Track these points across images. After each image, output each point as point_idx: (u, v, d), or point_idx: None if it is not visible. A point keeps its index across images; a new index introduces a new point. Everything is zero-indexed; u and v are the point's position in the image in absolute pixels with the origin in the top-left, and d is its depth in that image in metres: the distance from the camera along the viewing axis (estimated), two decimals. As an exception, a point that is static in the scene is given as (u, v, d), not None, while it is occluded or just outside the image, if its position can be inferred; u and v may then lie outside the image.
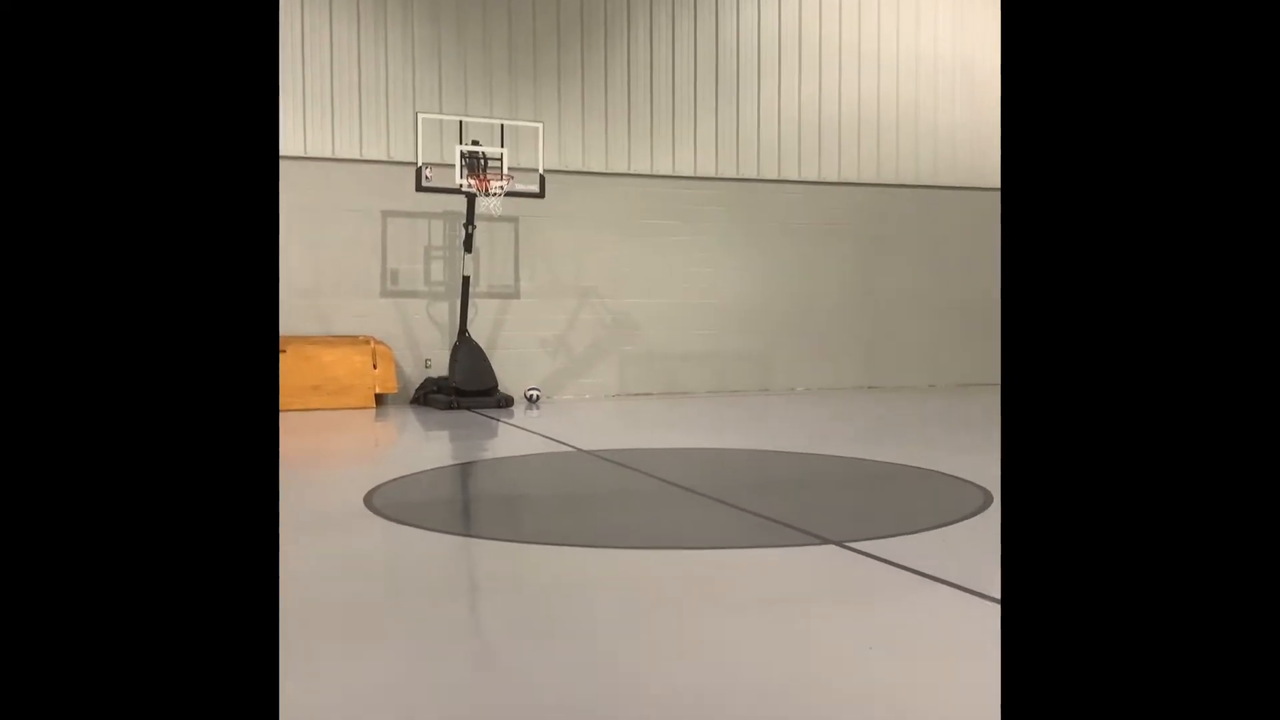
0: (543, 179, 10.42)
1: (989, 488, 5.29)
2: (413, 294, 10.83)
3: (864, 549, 3.99)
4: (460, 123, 10.34)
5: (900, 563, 3.75)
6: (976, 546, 4.22)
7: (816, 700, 2.48)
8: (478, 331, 10.63)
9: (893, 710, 2.42)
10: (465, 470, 6.90)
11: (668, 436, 8.33)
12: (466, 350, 10.31)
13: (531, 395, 10.60)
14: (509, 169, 10.19)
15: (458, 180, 10.03)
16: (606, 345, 11.57)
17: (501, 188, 10.13)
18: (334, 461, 7.05)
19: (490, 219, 10.59)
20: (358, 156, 10.54)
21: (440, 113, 10.57)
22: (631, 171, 11.61)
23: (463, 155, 10.06)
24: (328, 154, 10.34)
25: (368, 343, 10.18)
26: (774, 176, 12.24)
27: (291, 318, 10.01)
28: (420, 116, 10.26)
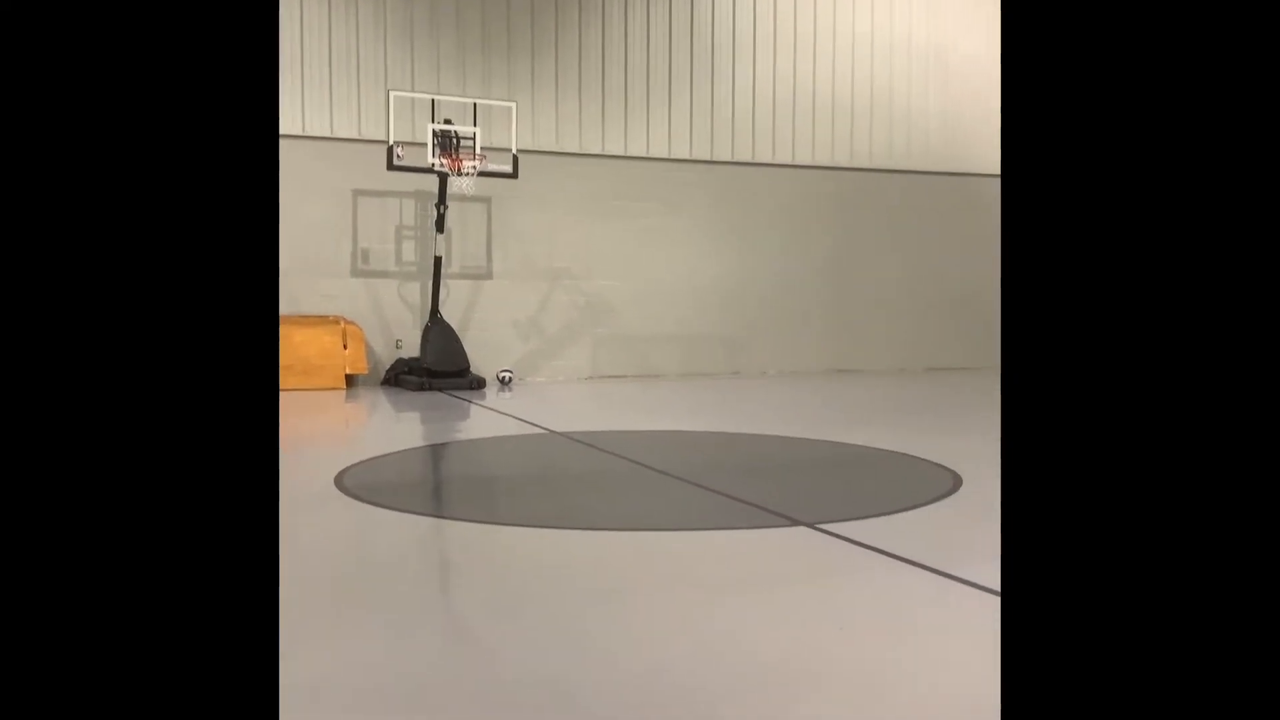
0: (516, 159, 10.35)
1: (958, 470, 5.34)
2: (384, 274, 10.73)
3: (836, 530, 4.01)
4: (433, 101, 10.23)
5: (872, 544, 3.78)
6: (946, 529, 4.26)
7: (790, 679, 2.50)
8: (450, 312, 10.56)
9: (866, 689, 2.44)
10: (437, 452, 6.87)
11: (640, 419, 8.33)
12: (438, 331, 10.24)
13: (504, 377, 10.56)
14: (482, 148, 10.11)
15: (430, 159, 9.94)
16: (579, 327, 11.54)
17: (474, 167, 10.05)
18: (304, 442, 6.99)
19: (463, 199, 10.51)
20: (328, 134, 10.41)
21: (412, 90, 10.46)
22: (606, 152, 11.55)
23: (435, 134, 9.97)
24: (298, 131, 10.20)
25: (338, 323, 10.08)
26: (748, 159, 12.23)
27: (260, 297, 9.88)
28: (392, 94, 10.14)
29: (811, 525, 4.13)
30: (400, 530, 4.27)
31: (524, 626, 2.91)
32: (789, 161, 12.40)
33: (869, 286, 12.88)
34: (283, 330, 9.77)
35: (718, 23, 12.05)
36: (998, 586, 3.40)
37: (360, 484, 5.03)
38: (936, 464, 5.59)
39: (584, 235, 11.45)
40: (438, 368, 10.00)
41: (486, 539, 4.10)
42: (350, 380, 10.15)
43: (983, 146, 13.29)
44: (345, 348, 10.00)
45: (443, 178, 10.07)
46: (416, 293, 10.81)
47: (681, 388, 10.71)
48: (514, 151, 10.36)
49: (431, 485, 5.80)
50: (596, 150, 11.52)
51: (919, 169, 12.98)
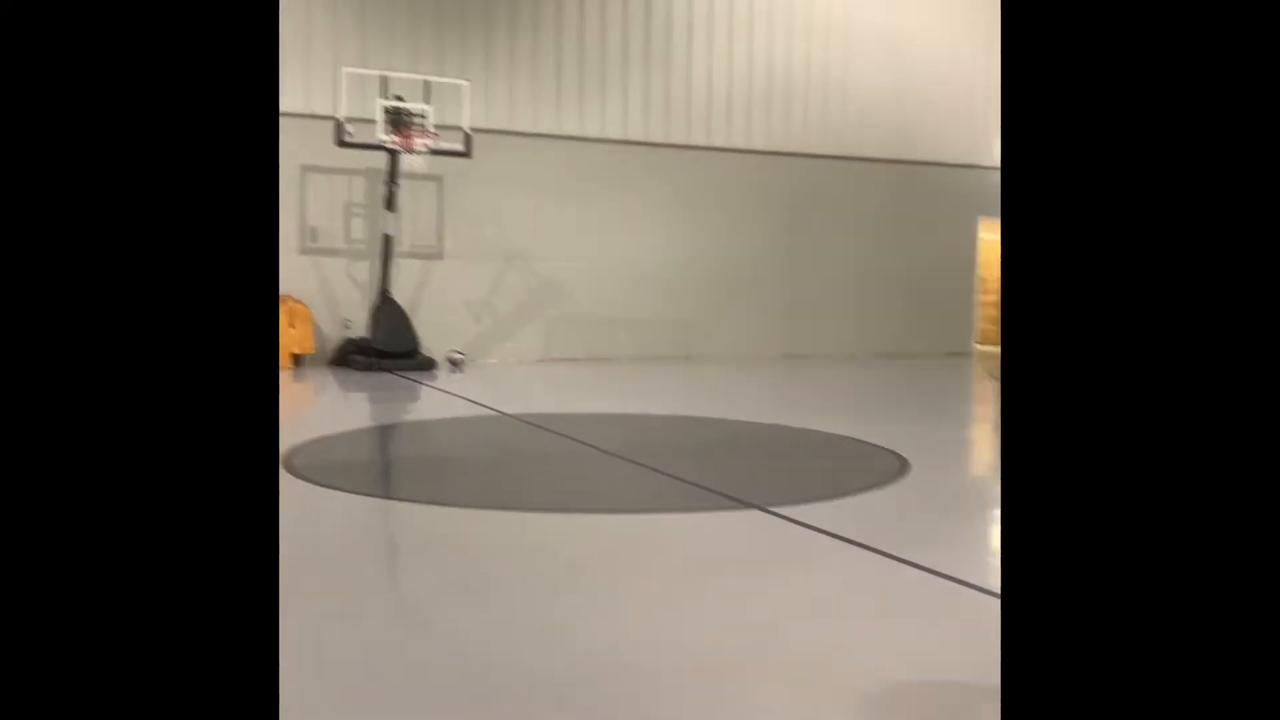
0: (469, 137, 10.23)
1: (906, 455, 5.42)
2: (332, 252, 10.56)
3: (786, 513, 4.05)
4: (384, 77, 10.06)
5: (821, 527, 3.82)
6: (893, 512, 4.32)
7: (743, 658, 2.52)
8: (400, 292, 10.43)
9: (816, 669, 2.47)
10: (386, 433, 6.79)
11: (593, 402, 8.32)
12: (388, 311, 10.11)
13: (454, 358, 10.47)
14: (434, 126, 9.97)
15: (380, 136, 9.78)
16: (532, 309, 11.48)
17: (426, 145, 9.92)
18: (249, 422, 6.85)
19: (414, 177, 10.36)
20: (276, 108, 10.18)
21: (364, 66, 10.27)
22: (560, 133, 11.47)
23: (386, 111, 9.81)
24: (244, 104, 9.95)
25: (284, 301, 9.90)
26: (703, 143, 12.23)
27: (204, 274, 9.67)
28: (343, 70, 9.96)
29: (762, 508, 4.16)
30: (350, 511, 4.22)
31: (476, 608, 2.90)
32: (743, 146, 12.42)
33: (821, 272, 12.98)
34: (228, 308, 9.57)
35: (674, 4, 12.00)
36: (943, 569, 3.45)
37: (309, 464, 4.95)
38: (884, 449, 5.67)
39: (538, 216, 11.37)
40: (387, 348, 9.88)
41: (437, 521, 4.07)
42: (297, 360, 9.99)
43: (933, 135, 13.44)
44: (292, 327, 9.84)
45: (393, 155, 9.92)
46: (365, 271, 10.65)
47: (634, 371, 10.72)
48: (467, 130, 10.24)
49: (381, 466, 5.73)
50: (551, 131, 11.43)
51: (870, 156, 13.08)
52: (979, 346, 14.25)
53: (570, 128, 11.53)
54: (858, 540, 3.63)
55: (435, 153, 10.04)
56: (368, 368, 9.69)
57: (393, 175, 10.03)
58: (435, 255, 11.01)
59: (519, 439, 6.32)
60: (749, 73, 12.42)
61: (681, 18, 12.04)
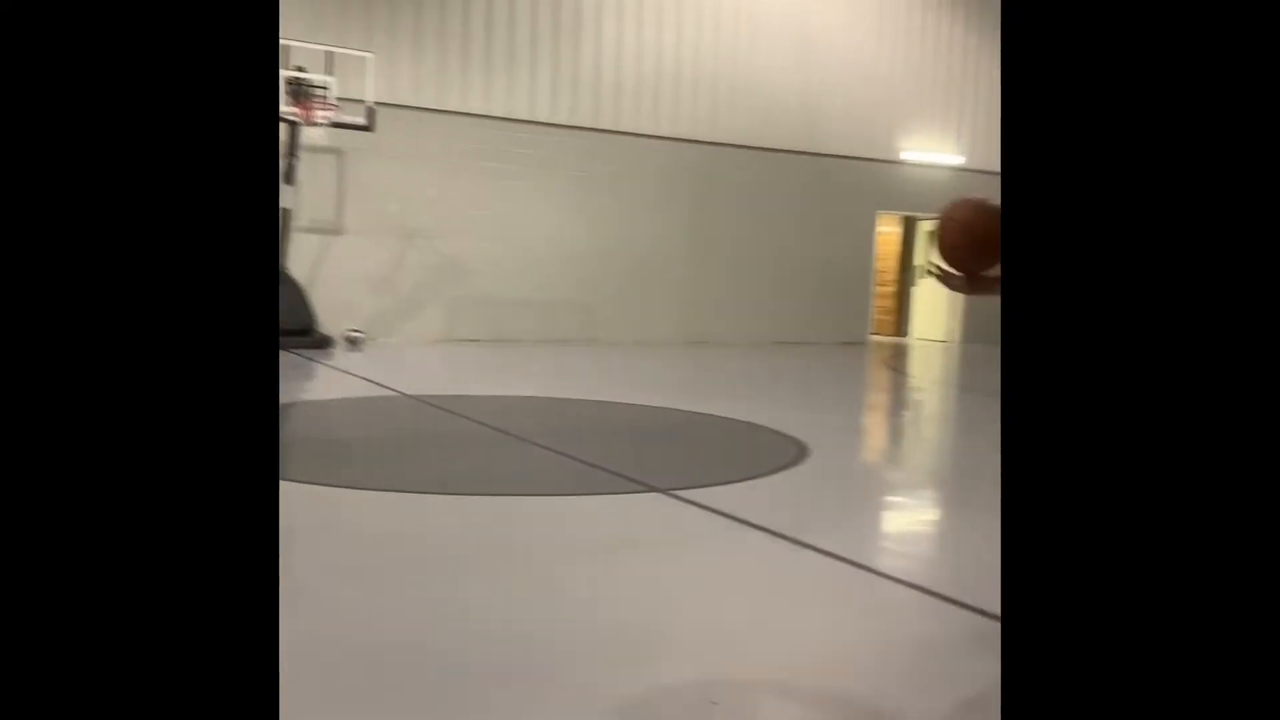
0: (372, 111, 9.98)
1: (804, 440, 5.53)
2: (225, 224, 10.17)
3: (689, 497, 4.08)
4: (285, 47, 9.71)
5: (723, 510, 3.86)
6: (792, 496, 4.40)
7: (643, 640, 2.53)
8: (296, 268, 10.12)
9: (716, 650, 2.50)
10: (280, 413, 6.59)
11: (496, 383, 8.24)
12: (283, 287, 9.81)
13: (353, 337, 10.23)
14: (336, 99, 9.69)
15: (280, 107, 9.45)
16: (434, 288, 11.29)
17: (327, 117, 9.63)
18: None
19: (314, 150, 10.06)
20: (166, 72, 9.74)
21: (261, 32, 9.89)
22: (468, 110, 11.29)
23: (287, 81, 9.48)
24: (131, 66, 9.49)
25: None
26: (611, 126, 12.20)
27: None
28: (238, 34, 9.56)
29: (665, 491, 4.19)
30: (240, 492, 4.08)
31: (376, 591, 2.84)
32: (651, 131, 12.44)
33: (725, 260, 13.12)
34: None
35: (585, -14, 11.92)
36: (842, 552, 3.53)
37: (197, 444, 4.77)
38: (784, 434, 5.77)
39: (442, 194, 11.17)
40: (282, 325, 9.58)
41: (337, 504, 3.97)
42: (186, 335, 9.60)
43: (840, 129, 13.70)
44: (181, 301, 9.45)
45: (293, 127, 9.60)
46: (261, 246, 10.29)
47: (538, 353, 10.66)
48: (370, 104, 9.98)
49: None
50: (457, 108, 11.23)
51: (778, 146, 13.27)
52: (874, 337, 14.64)
53: (476, 105, 11.36)
54: (758, 523, 3.69)
55: (336, 126, 9.76)
56: (261, 345, 9.38)
57: (292, 148, 9.71)
58: (334, 230, 10.72)
59: (418, 420, 6.21)
60: (658, 58, 12.43)
61: (592, 1, 11.97)
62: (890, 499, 4.76)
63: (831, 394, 9.06)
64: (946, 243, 2.51)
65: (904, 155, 14.21)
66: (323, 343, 9.75)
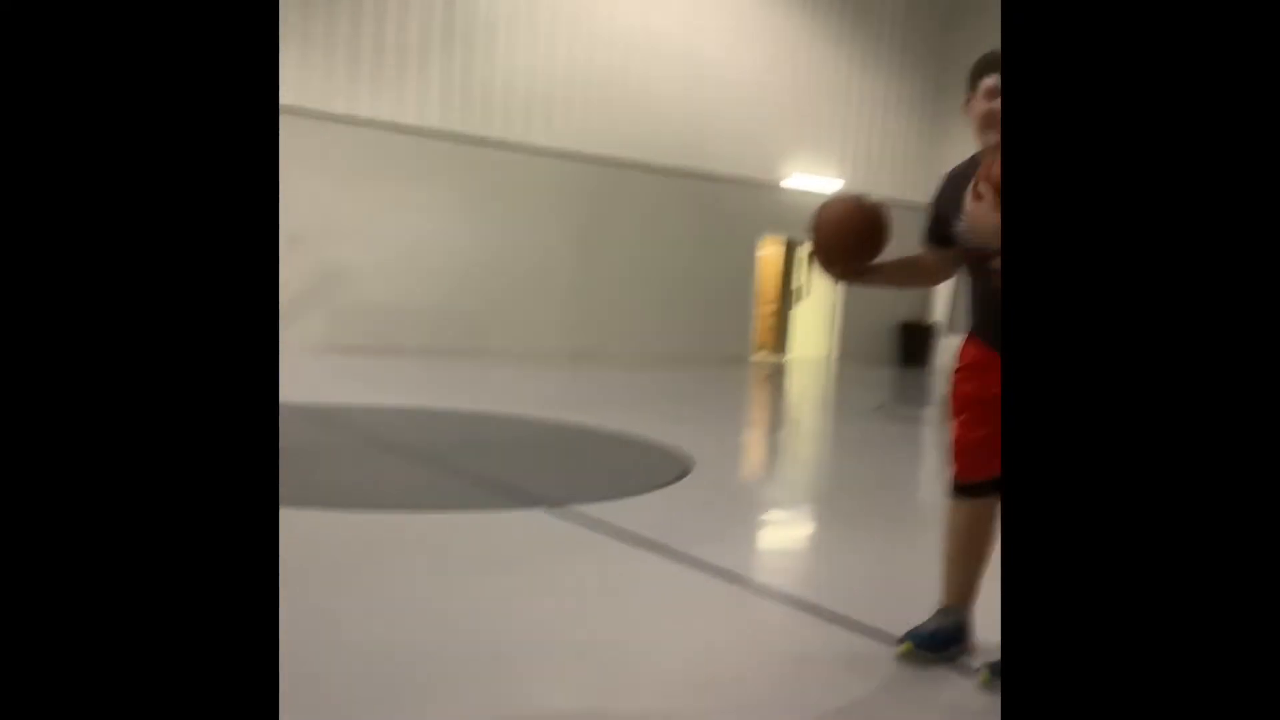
0: (252, 111, 9.65)
1: (690, 455, 5.60)
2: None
3: (574, 511, 4.08)
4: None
5: (608, 525, 3.87)
6: (677, 510, 4.45)
7: (526, 655, 2.51)
8: (167, 270, 9.69)
9: (599, 665, 2.51)
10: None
11: (378, 393, 8.06)
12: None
13: (226, 344, 9.83)
14: (213, 96, 9.34)
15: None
16: (316, 295, 10.96)
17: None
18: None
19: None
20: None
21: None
22: (353, 115, 11.04)
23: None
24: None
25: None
26: (503, 137, 12.12)
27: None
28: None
29: (550, 506, 4.18)
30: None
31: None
32: (544, 144, 12.42)
33: (612, 275, 13.19)
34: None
35: (477, -4, 11.84)
36: (727, 565, 3.58)
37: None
38: (670, 449, 5.83)
39: (325, 199, 10.88)
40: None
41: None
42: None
43: (728, 151, 13.97)
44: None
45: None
46: (128, 246, 9.83)
47: (422, 363, 10.47)
48: (250, 103, 9.65)
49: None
50: (344, 112, 10.98)
51: (668, 165, 13.43)
52: (756, 354, 14.95)
53: (364, 111, 11.12)
54: (643, 537, 3.71)
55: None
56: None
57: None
58: (209, 233, 10.31)
59: (292, 431, 6.02)
60: (550, 72, 12.44)
61: (485, 11, 11.89)
62: (773, 513, 4.86)
63: (715, 409, 9.20)
64: (822, 235, 2.64)
65: (788, 180, 14.59)
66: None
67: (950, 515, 2.66)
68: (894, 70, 15.54)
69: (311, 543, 3.54)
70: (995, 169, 2.42)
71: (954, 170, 2.65)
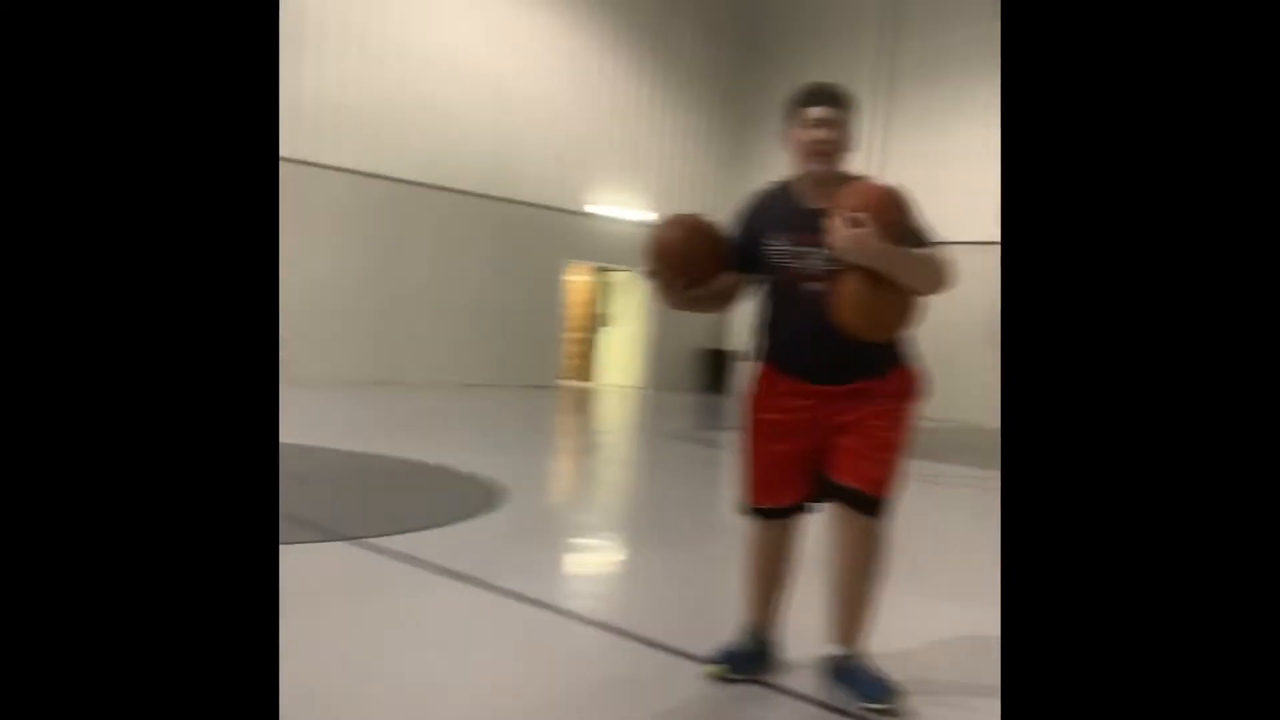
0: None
1: (499, 484, 5.55)
2: None
3: (378, 545, 3.96)
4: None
5: (415, 558, 3.78)
6: (487, 541, 4.39)
7: (333, 695, 2.41)
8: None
9: (410, 702, 2.44)
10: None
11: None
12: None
13: None
14: None
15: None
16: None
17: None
18: None
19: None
20: None
21: None
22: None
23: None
24: None
25: None
26: (289, 155, 11.66)
27: None
28: None
29: (353, 540, 4.03)
30: None
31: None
32: (334, 163, 12.03)
33: (417, 299, 12.92)
34: None
35: (283, 15, 11.36)
36: (535, 593, 3.56)
37: None
38: (478, 478, 5.75)
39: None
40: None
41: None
42: None
43: (533, 175, 14.03)
44: None
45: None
46: None
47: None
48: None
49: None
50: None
51: (470, 189, 13.33)
52: (562, 381, 15.02)
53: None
54: (449, 569, 3.64)
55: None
56: None
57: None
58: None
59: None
60: (342, 89, 12.10)
61: (292, 28, 11.43)
62: (586, 540, 4.89)
63: (522, 437, 9.16)
64: (665, 256, 2.56)
65: (592, 208, 14.81)
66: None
67: (749, 536, 2.76)
68: (695, 102, 16.13)
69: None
70: (847, 197, 2.37)
71: (762, 193, 2.66)
